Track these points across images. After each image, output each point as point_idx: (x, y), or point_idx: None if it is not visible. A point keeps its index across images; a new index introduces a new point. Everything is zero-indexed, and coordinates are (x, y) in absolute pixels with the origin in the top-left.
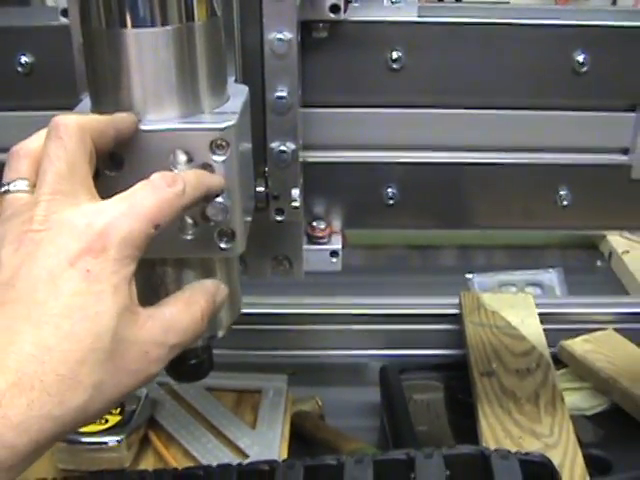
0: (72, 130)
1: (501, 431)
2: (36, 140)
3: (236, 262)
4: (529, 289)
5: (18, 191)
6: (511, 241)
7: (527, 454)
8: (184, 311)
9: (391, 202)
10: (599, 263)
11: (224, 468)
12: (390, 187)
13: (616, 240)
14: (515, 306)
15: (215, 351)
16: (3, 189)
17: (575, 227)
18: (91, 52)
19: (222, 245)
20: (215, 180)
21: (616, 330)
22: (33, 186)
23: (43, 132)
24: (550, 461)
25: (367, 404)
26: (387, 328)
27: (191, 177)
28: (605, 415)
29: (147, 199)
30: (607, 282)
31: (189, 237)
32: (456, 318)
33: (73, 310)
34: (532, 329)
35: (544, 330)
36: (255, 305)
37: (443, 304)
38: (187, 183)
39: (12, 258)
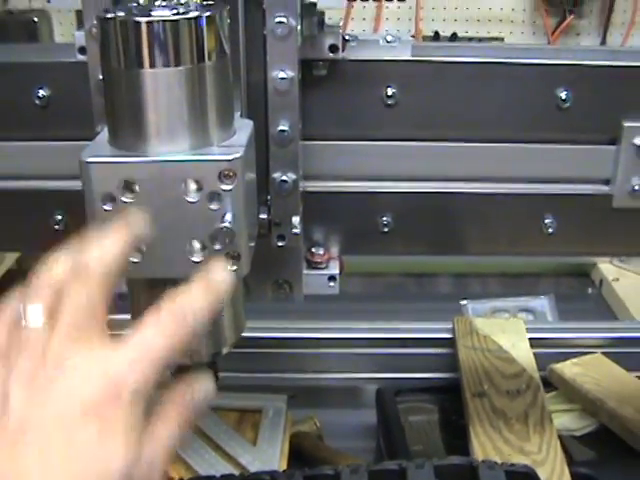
0: (95, 273)
1: (492, 449)
2: (60, 267)
3: (240, 284)
4: (521, 315)
5: (34, 320)
6: (505, 269)
7: (513, 465)
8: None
9: (386, 230)
10: (590, 290)
11: (227, 479)
12: (385, 215)
13: (607, 268)
14: (506, 331)
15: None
16: (20, 312)
17: (560, 253)
18: (110, 89)
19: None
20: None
21: (605, 354)
22: (49, 316)
23: (67, 259)
24: (534, 471)
25: (363, 425)
26: (383, 352)
27: (199, 301)
28: (593, 435)
29: (157, 342)
30: (597, 309)
31: (197, 259)
32: (450, 342)
33: (84, 455)
34: (522, 352)
35: (535, 354)
36: (256, 329)
37: (437, 329)
38: (196, 307)
39: (23, 397)
